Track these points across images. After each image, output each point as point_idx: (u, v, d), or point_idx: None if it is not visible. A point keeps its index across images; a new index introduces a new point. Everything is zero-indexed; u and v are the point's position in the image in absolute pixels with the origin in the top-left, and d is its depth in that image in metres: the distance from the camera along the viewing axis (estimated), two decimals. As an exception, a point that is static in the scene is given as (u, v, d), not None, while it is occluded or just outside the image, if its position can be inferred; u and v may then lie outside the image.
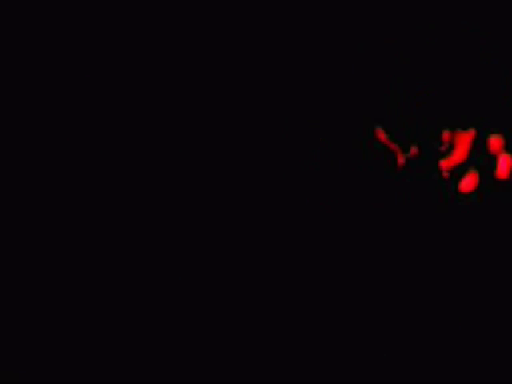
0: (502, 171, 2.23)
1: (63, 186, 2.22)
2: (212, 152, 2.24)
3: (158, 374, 2.11)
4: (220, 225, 2.20)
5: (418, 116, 2.30)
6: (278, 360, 2.13)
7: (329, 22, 2.32)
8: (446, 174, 2.27)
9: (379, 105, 2.28)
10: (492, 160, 2.31)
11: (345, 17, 2.30)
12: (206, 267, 2.19)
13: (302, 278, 2.18)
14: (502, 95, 2.31)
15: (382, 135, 2.24)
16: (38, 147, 2.23)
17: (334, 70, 2.30)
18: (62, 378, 2.09)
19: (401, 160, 2.28)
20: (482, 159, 2.33)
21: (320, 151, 2.19)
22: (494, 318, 2.20)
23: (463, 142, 2.29)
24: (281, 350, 2.14)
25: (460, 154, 2.27)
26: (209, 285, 2.17)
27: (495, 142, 2.26)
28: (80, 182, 2.23)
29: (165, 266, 2.18)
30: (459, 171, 2.33)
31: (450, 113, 2.31)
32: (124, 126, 2.27)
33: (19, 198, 2.21)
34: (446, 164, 2.28)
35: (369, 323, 2.17)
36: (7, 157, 2.22)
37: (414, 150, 2.26)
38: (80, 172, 2.23)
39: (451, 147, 2.31)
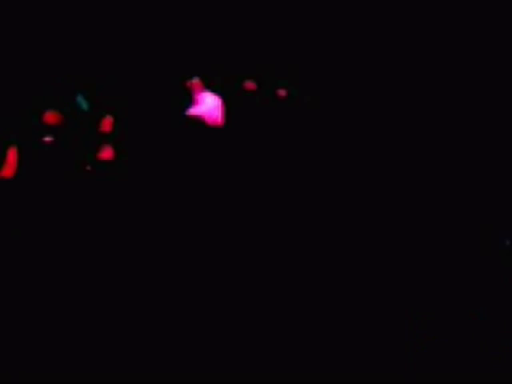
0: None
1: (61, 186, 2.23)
2: (211, 152, 2.24)
3: (157, 374, 2.13)
4: (219, 226, 2.21)
5: None
6: (277, 360, 2.15)
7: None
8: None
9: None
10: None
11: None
12: (203, 267, 2.20)
13: (301, 278, 2.19)
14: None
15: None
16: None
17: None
18: (62, 378, 2.11)
19: None
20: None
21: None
22: (491, 318, 2.21)
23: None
24: (280, 350, 2.16)
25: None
26: (207, 285, 2.19)
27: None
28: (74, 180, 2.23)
29: (160, 266, 2.19)
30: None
31: None
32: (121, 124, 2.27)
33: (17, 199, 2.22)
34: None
35: (366, 323, 2.18)
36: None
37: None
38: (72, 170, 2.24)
39: None
